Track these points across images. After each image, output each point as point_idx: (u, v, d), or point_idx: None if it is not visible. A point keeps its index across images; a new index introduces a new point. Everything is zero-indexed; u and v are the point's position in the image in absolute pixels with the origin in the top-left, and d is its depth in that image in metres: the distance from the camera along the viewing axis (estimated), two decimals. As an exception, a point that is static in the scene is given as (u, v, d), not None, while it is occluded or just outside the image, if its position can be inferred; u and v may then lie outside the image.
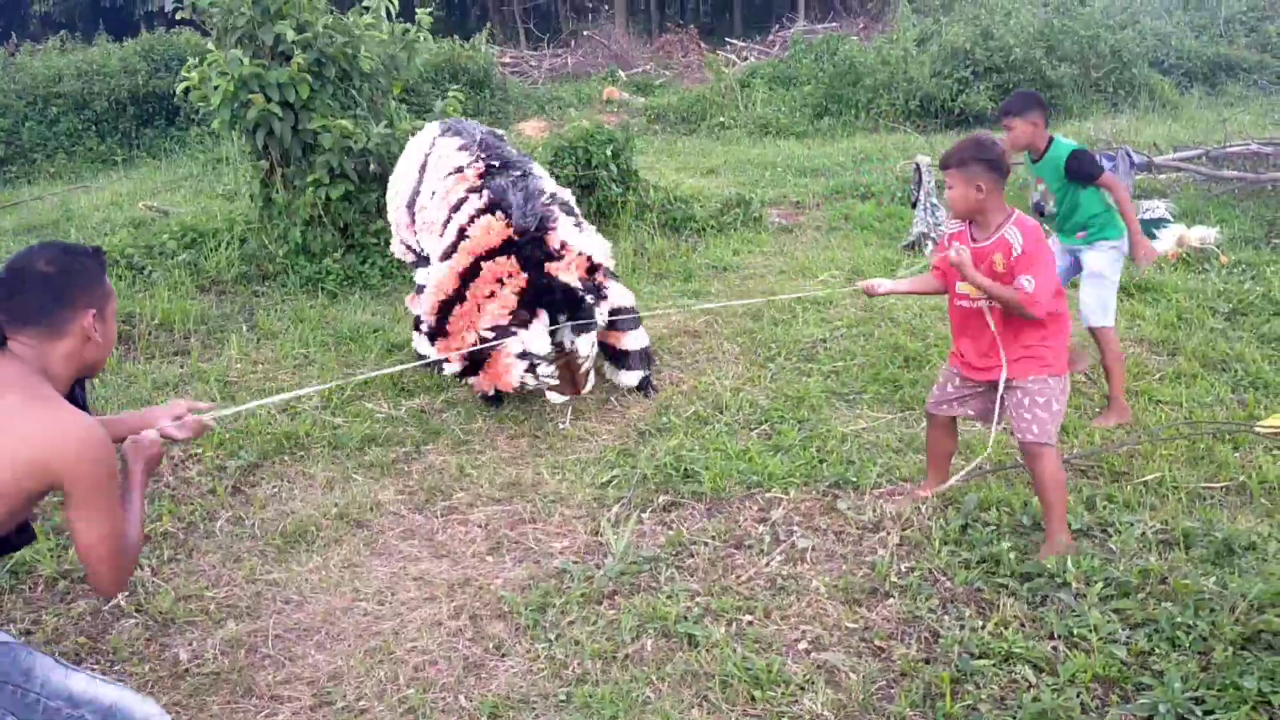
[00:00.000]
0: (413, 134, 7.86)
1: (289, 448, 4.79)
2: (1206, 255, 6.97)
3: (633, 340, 5.32)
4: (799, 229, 9.02)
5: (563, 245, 4.97)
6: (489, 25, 22.26)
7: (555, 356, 4.91)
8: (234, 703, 3.06)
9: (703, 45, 29.05)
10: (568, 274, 4.90)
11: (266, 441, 4.80)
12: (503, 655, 3.24)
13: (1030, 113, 4.75)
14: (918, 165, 8.06)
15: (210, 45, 7.51)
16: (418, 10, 8.35)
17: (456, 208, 5.14)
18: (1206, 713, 2.74)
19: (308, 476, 4.53)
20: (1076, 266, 5.05)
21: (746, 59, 23.84)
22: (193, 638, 3.38)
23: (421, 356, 5.40)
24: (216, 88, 7.22)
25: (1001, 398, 3.67)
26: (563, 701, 3.00)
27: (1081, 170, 4.73)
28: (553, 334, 4.85)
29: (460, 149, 5.52)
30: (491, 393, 5.05)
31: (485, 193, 5.09)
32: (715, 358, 5.87)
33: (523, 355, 4.74)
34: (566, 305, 4.86)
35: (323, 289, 7.33)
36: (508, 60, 27.02)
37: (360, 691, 3.07)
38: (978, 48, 14.36)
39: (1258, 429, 4.56)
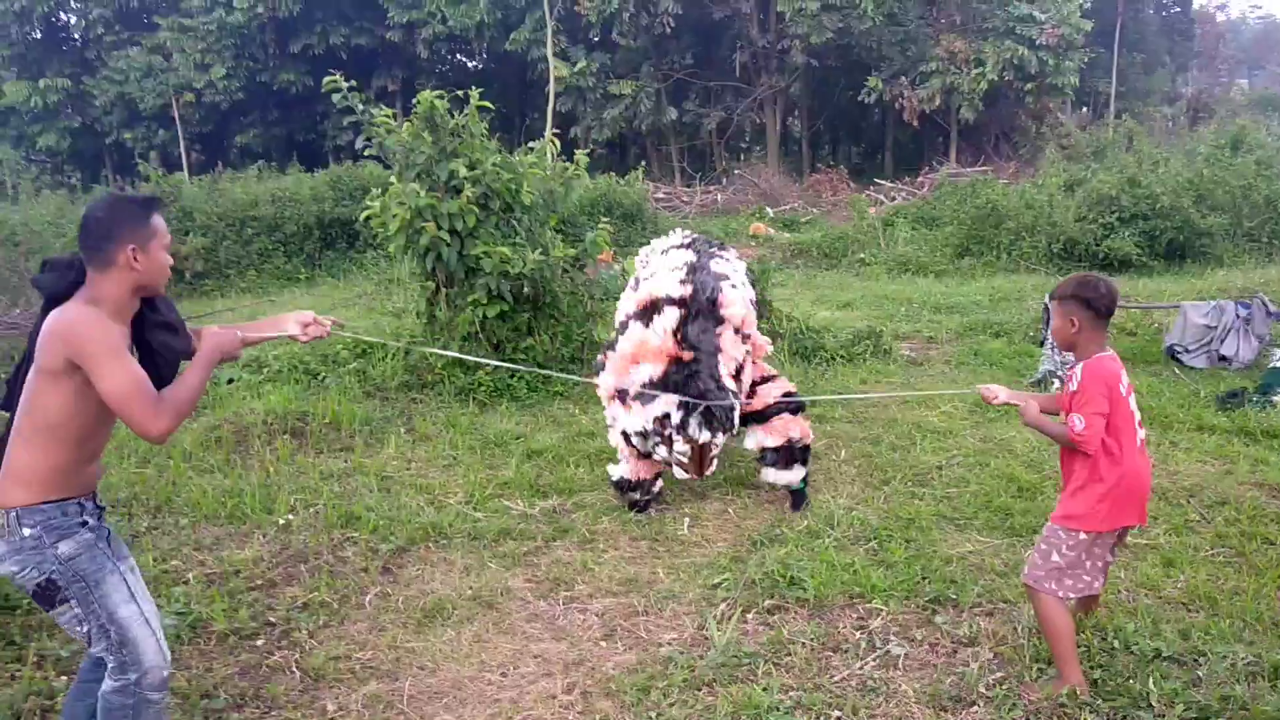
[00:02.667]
0: (565, 261, 8.61)
1: (434, 536, 5.29)
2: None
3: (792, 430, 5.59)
4: (928, 362, 9.26)
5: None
6: (643, 164, 23.40)
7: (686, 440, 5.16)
8: (371, 748, 3.48)
9: (851, 185, 29.83)
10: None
11: (415, 530, 5.32)
12: (609, 727, 3.57)
13: None
14: (1046, 304, 8.25)
15: (392, 178, 8.42)
16: (576, 151, 9.15)
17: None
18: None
19: (448, 562, 5.01)
20: None
21: (894, 199, 24.42)
22: (339, 693, 3.83)
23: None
24: (394, 216, 8.08)
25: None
26: (658, 770, 3.30)
27: None
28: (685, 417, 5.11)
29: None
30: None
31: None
32: (833, 478, 6.15)
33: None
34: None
35: (474, 399, 7.96)
36: (661, 195, 28.35)
37: (480, 746, 3.45)
38: (1124, 194, 14.45)
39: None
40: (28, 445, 2.74)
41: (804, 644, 4.09)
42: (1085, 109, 39.62)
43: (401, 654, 4.11)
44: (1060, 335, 3.78)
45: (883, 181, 29.52)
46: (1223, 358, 8.16)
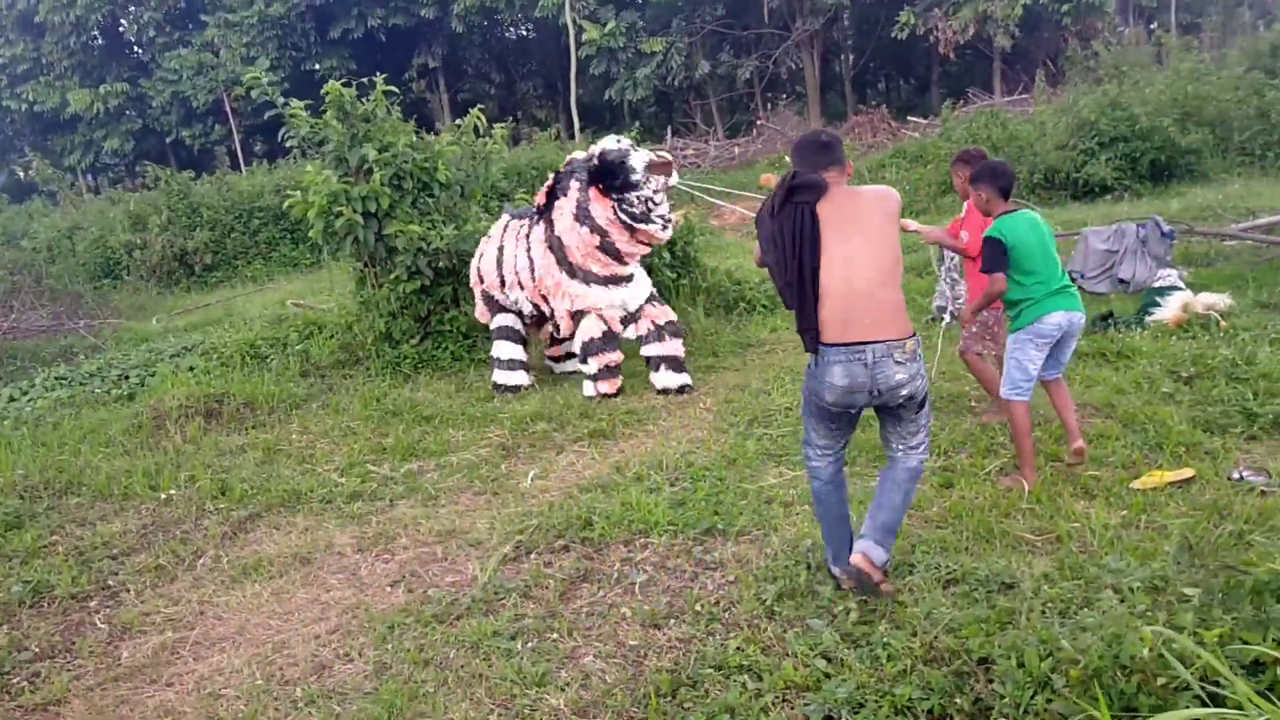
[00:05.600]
0: (483, 232, 9.01)
1: (290, 502, 5.79)
2: (1211, 321, 6.96)
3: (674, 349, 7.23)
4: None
5: None
6: (637, 125, 23.51)
7: None
8: (139, 689, 3.98)
9: (891, 124, 29.46)
10: None
11: (274, 497, 5.82)
12: (349, 660, 4.01)
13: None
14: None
15: (309, 167, 8.91)
16: (496, 126, 9.52)
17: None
18: (854, 711, 3.17)
19: (290, 524, 5.49)
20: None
21: (929, 135, 24.10)
22: (137, 643, 4.34)
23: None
24: (312, 203, 8.57)
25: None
26: (368, 693, 3.73)
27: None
28: None
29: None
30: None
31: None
32: (687, 424, 6.48)
33: None
34: None
35: (400, 371, 8.45)
36: (690, 153, 28.46)
37: (228, 682, 3.93)
38: (1103, 118, 14.22)
39: (1132, 485, 4.75)
40: (896, 286, 3.62)
41: (559, 578, 4.47)
42: (1151, 24, 38.04)
43: (206, 607, 4.60)
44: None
45: (917, 119, 29.13)
46: (1122, 281, 8.19)
